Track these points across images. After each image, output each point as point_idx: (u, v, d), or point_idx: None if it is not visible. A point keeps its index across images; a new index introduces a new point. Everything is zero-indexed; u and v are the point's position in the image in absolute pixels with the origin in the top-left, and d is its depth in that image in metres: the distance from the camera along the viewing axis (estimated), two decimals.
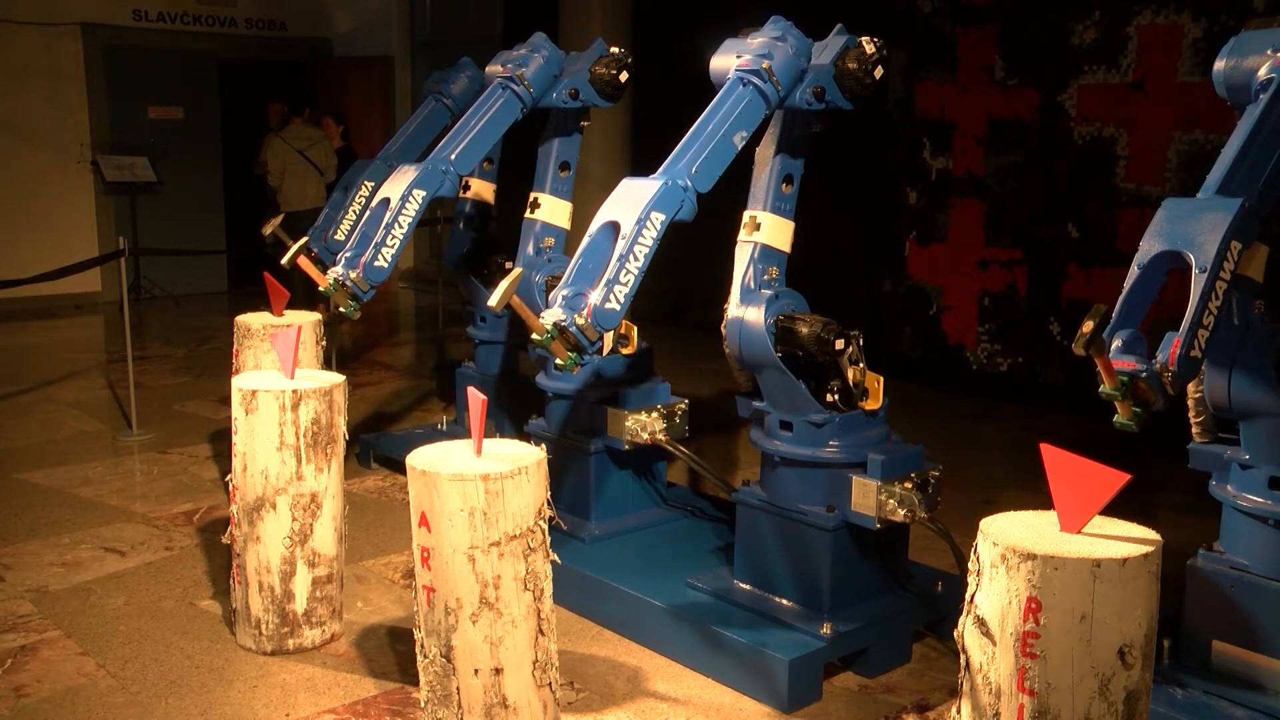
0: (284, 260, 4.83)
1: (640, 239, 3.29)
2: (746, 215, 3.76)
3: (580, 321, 3.21)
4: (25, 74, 10.47)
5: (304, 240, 4.93)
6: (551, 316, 3.24)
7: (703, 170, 3.45)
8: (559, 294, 3.29)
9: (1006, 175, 7.33)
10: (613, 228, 3.34)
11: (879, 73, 3.58)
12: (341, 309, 4.33)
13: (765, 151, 3.78)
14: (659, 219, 3.33)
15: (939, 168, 7.64)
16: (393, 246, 4.33)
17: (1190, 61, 6.40)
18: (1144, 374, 2.55)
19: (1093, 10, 6.75)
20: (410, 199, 4.37)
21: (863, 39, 3.57)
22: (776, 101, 3.57)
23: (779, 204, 3.74)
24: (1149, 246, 2.68)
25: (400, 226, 4.34)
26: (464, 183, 5.86)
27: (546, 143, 4.81)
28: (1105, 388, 2.55)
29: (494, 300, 3.16)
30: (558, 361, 3.29)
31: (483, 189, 5.82)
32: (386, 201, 4.41)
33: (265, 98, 10.56)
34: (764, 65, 3.51)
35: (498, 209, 5.89)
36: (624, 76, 4.64)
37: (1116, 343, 2.63)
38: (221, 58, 11.69)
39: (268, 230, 5.58)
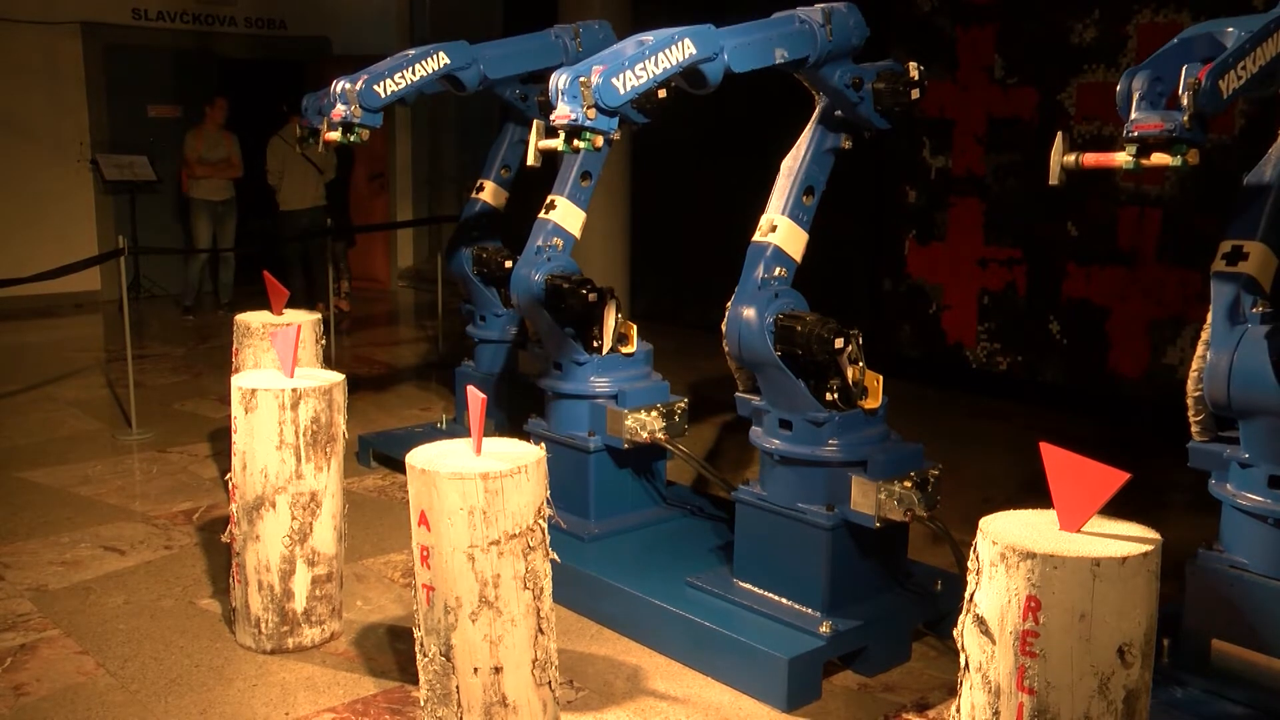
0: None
1: (665, 51, 3.20)
2: (764, 219, 3.79)
3: (584, 79, 3.07)
4: (25, 73, 10.46)
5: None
6: (557, 121, 3.13)
7: (741, 50, 3.38)
8: (559, 79, 3.15)
9: (1006, 174, 7.32)
10: (643, 42, 3.28)
11: (916, 94, 3.71)
12: (351, 139, 4.22)
13: (791, 161, 3.83)
14: (689, 46, 3.24)
15: (939, 166, 7.64)
16: (397, 85, 4.19)
17: None
18: (1172, 130, 2.49)
19: (1092, 9, 6.75)
20: (433, 55, 4.26)
21: (910, 63, 3.72)
22: (821, 51, 3.54)
23: (797, 212, 3.77)
24: (1193, 29, 2.74)
25: (411, 72, 4.21)
26: (478, 184, 5.88)
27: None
28: (1126, 164, 2.55)
29: (530, 159, 3.26)
30: (578, 144, 3.16)
31: (496, 193, 5.83)
32: (409, 54, 4.32)
33: (266, 97, 10.56)
34: (824, 13, 3.56)
35: (505, 215, 5.90)
36: (661, 93, 4.61)
37: (1137, 92, 2.59)
38: (221, 57, 11.68)
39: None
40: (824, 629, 3.52)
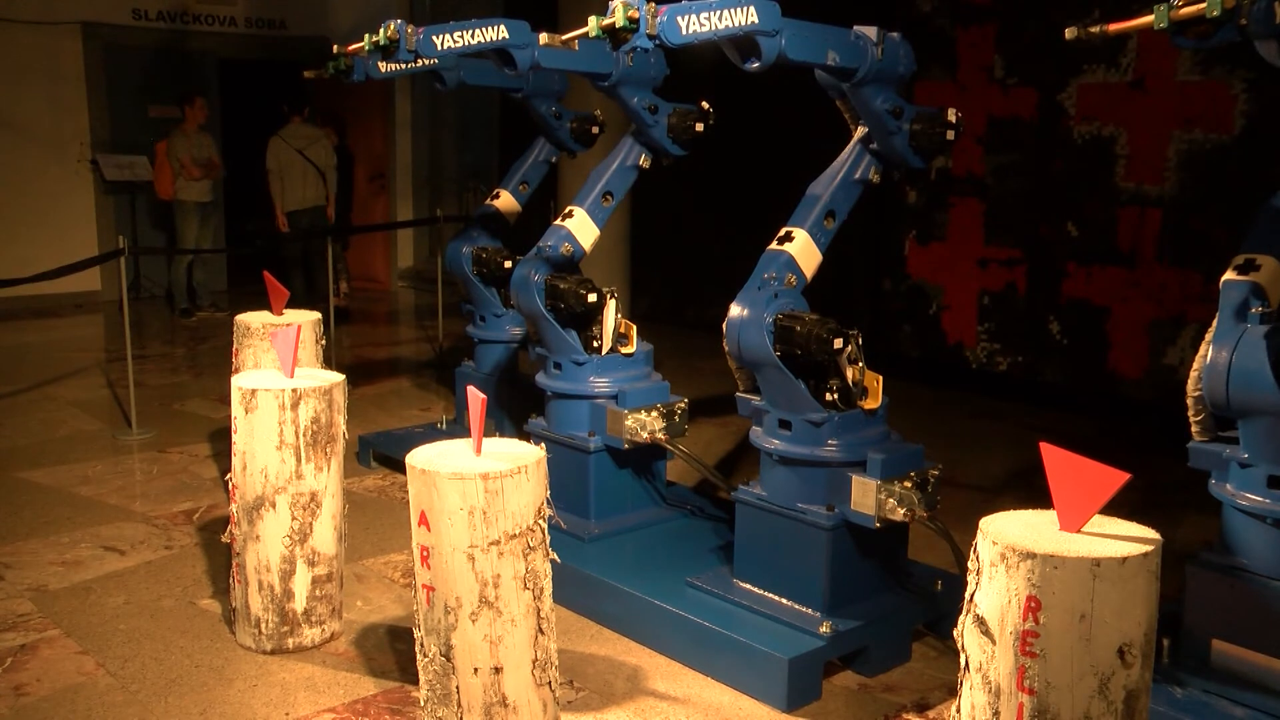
0: (337, 49, 4.71)
1: (730, 10, 3.22)
2: (783, 230, 3.82)
3: (652, 10, 3.09)
4: (25, 73, 10.47)
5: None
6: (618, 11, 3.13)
7: (799, 37, 3.40)
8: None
9: (1006, 174, 7.33)
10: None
11: (951, 135, 3.74)
12: (376, 40, 4.15)
13: (818, 186, 3.87)
14: (752, 13, 3.26)
15: (939, 167, 7.64)
16: (453, 42, 4.18)
17: (1190, 60, 6.39)
18: None
19: (1092, 9, 6.75)
20: (493, 25, 4.27)
21: (949, 108, 3.75)
22: (870, 69, 3.59)
23: (816, 231, 3.80)
24: None
25: (470, 34, 4.19)
26: (495, 192, 5.90)
27: (601, 167, 4.80)
28: (1156, 22, 2.52)
29: (548, 38, 3.32)
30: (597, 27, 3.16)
31: (509, 204, 5.84)
32: (473, 20, 4.31)
33: (266, 97, 10.56)
34: (879, 34, 3.61)
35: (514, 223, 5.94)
36: (700, 127, 4.64)
37: None
38: (221, 57, 11.68)
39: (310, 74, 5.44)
40: (824, 629, 3.52)
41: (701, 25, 3.19)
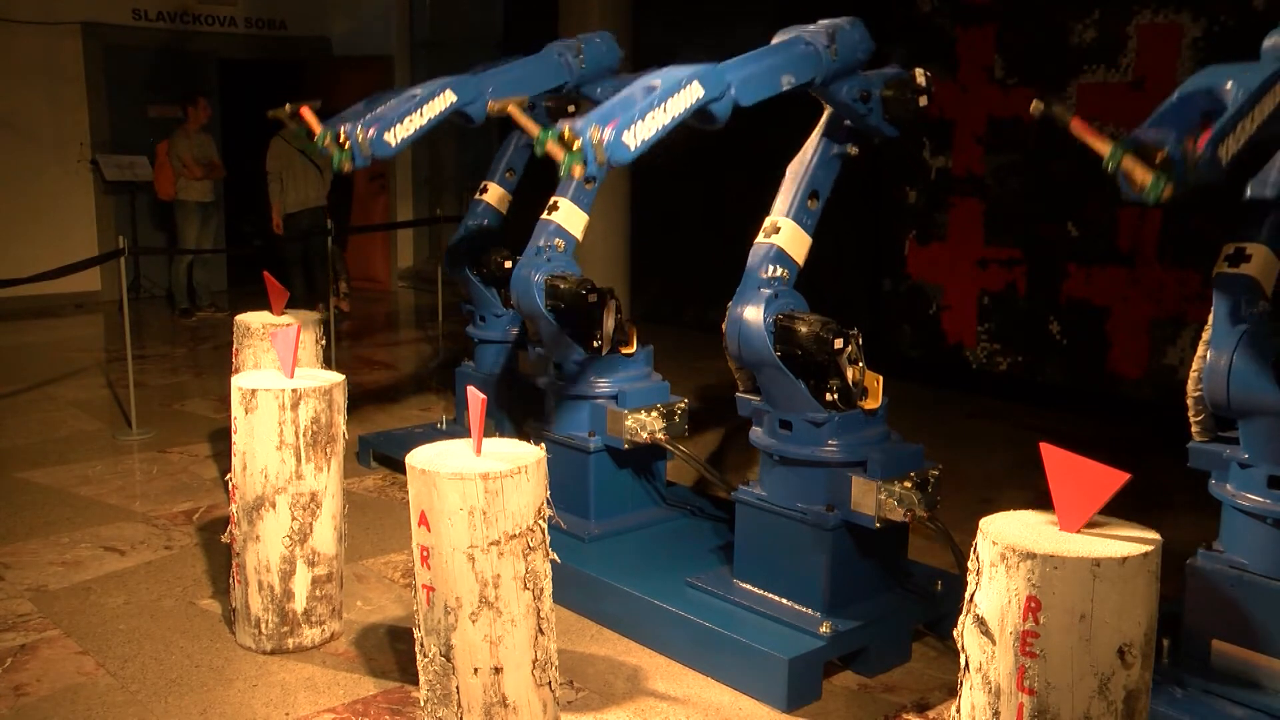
0: (290, 108, 4.57)
1: (673, 97, 3.18)
2: (768, 221, 3.79)
3: (596, 136, 3.02)
4: (25, 73, 10.47)
5: (317, 103, 4.48)
6: (566, 124, 3.07)
7: (748, 83, 3.35)
8: (570, 128, 3.09)
9: (1006, 174, 7.33)
10: (652, 88, 3.26)
11: (924, 101, 3.69)
12: (332, 157, 4.06)
13: (797, 165, 3.84)
14: (697, 91, 3.22)
15: (939, 167, 7.65)
16: (407, 130, 4.11)
17: (1190, 61, 6.39)
18: (1166, 145, 2.34)
19: (1092, 9, 6.75)
20: (440, 96, 4.18)
21: (916, 69, 3.69)
22: (828, 71, 3.54)
23: (801, 216, 3.78)
24: (1192, 82, 2.65)
25: (421, 115, 4.13)
26: (482, 185, 5.88)
27: None
28: (1108, 155, 2.38)
29: (493, 105, 3.16)
30: (573, 164, 3.08)
31: (499, 195, 5.83)
32: (415, 94, 4.24)
33: (266, 97, 10.53)
34: (829, 33, 3.55)
35: (507, 217, 5.91)
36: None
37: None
38: (221, 57, 11.68)
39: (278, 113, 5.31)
40: (824, 629, 3.52)
41: (650, 130, 3.11)
